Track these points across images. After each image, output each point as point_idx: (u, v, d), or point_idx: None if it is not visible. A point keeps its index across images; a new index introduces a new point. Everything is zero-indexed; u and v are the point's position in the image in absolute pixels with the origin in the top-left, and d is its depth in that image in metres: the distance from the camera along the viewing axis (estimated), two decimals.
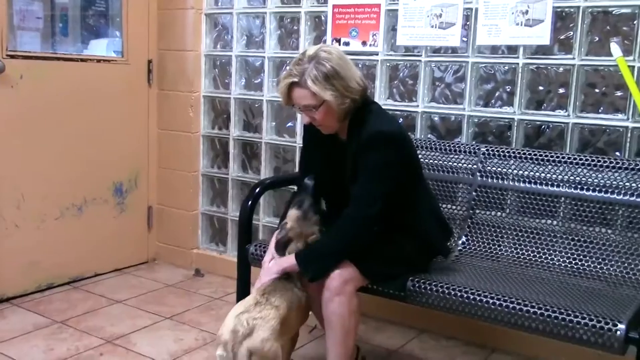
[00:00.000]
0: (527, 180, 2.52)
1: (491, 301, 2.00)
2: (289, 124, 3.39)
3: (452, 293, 2.07)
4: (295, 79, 1.98)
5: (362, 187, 2.02)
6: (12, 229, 3.11)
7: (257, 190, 2.60)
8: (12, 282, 3.14)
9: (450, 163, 2.69)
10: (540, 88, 2.71)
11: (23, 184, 3.13)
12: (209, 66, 3.63)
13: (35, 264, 3.22)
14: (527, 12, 2.63)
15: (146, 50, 3.63)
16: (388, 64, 3.03)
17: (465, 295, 2.05)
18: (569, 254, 2.43)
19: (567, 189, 2.45)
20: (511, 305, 1.97)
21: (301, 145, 3.26)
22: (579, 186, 2.43)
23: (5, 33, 2.96)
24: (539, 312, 1.93)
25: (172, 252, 3.79)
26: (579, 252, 2.42)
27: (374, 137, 2.00)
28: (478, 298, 2.03)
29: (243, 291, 2.57)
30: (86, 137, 3.38)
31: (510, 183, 2.55)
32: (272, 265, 2.09)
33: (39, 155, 3.18)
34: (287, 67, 2.04)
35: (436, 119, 2.94)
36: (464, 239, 2.57)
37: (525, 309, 1.95)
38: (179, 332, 2.84)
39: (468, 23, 2.78)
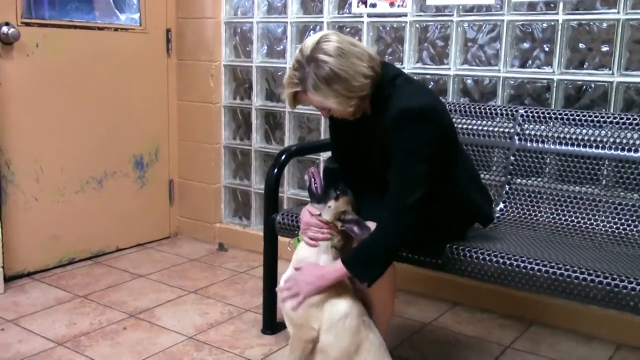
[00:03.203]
0: (568, 142, 2.38)
1: (536, 267, 1.87)
2: None
3: (494, 260, 1.94)
4: (297, 88, 1.85)
5: (399, 174, 1.86)
6: (32, 203, 3.03)
7: (283, 157, 2.49)
8: (33, 257, 3.07)
9: (485, 128, 2.55)
10: (582, 46, 2.55)
11: (41, 156, 3.04)
12: (230, 34, 3.51)
13: (56, 238, 3.15)
14: None
15: (164, 18, 3.52)
16: (417, 26, 2.89)
17: (508, 262, 1.92)
18: (613, 220, 2.30)
19: (611, 151, 2.31)
20: (558, 272, 1.84)
21: None
22: (625, 148, 2.29)
23: None
24: (588, 278, 1.80)
25: (194, 227, 3.70)
26: (624, 218, 2.29)
27: (402, 115, 1.82)
28: (522, 265, 1.90)
29: (270, 262, 2.49)
30: (105, 109, 3.29)
31: (551, 146, 2.41)
32: (315, 277, 1.91)
33: (57, 127, 3.10)
34: (289, 70, 1.87)
35: (469, 82, 2.80)
36: (501, 205, 2.44)
37: (573, 275, 1.82)
38: (203, 306, 2.76)
39: None
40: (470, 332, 2.59)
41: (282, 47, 3.33)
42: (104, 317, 2.62)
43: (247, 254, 3.46)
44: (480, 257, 1.97)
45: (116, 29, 3.33)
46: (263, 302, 2.53)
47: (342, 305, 1.91)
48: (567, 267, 1.84)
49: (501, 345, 2.47)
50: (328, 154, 3.15)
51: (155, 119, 3.56)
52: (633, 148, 2.29)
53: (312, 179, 2.00)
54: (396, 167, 1.85)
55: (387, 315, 2.06)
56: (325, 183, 1.99)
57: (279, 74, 3.36)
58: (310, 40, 1.83)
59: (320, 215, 1.97)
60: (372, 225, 1.91)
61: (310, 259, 1.95)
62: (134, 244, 3.53)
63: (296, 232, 2.30)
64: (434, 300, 2.85)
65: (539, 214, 2.39)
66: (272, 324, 2.52)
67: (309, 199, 3.20)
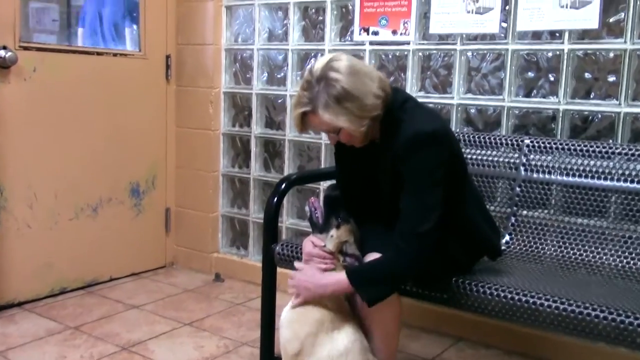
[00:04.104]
0: (575, 174, 2.32)
1: (546, 304, 1.79)
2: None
3: (502, 295, 1.87)
4: (307, 108, 1.78)
5: (412, 200, 1.79)
6: (24, 230, 2.95)
7: (284, 186, 2.42)
8: (24, 286, 2.98)
9: (490, 158, 2.50)
10: (588, 76, 2.51)
11: (36, 182, 2.98)
12: (230, 61, 3.48)
13: (48, 267, 3.06)
14: None
15: (164, 44, 3.49)
16: (420, 54, 2.85)
17: (517, 298, 1.85)
18: (622, 255, 2.23)
19: (619, 183, 2.25)
20: (569, 308, 1.76)
21: (327, 142, 3.11)
22: (633, 179, 2.24)
23: (18, 21, 2.82)
24: (595, 314, 1.72)
25: (190, 256, 3.62)
26: (632, 252, 2.22)
27: (414, 139, 1.77)
28: (530, 300, 1.82)
29: (269, 294, 2.40)
30: (102, 134, 3.23)
31: (557, 177, 2.36)
32: (315, 285, 1.86)
33: (52, 153, 3.03)
34: (298, 91, 1.82)
35: (473, 111, 2.75)
36: (507, 237, 2.37)
37: (580, 310, 1.74)
38: (199, 339, 2.67)
39: (507, 7, 2.60)
40: None
41: (282, 74, 3.29)
42: (96, 349, 2.53)
43: (244, 285, 3.37)
44: (487, 292, 1.90)
45: (115, 55, 3.29)
46: (261, 336, 2.44)
47: (342, 341, 1.84)
48: (575, 302, 1.77)
49: None
50: (329, 183, 3.11)
51: (153, 145, 3.50)
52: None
53: (313, 209, 1.94)
54: (409, 192, 1.79)
55: (392, 351, 1.98)
56: (326, 212, 1.93)
57: (279, 101, 3.31)
58: (320, 60, 1.79)
59: (324, 246, 1.91)
60: (374, 257, 1.84)
61: None
62: (129, 274, 3.45)
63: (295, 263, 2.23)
64: (437, 335, 2.77)
65: (546, 247, 2.32)
66: (269, 359, 2.43)
67: (308, 229, 3.14)
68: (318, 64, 1.78)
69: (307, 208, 1.99)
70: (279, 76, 3.32)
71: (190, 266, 3.61)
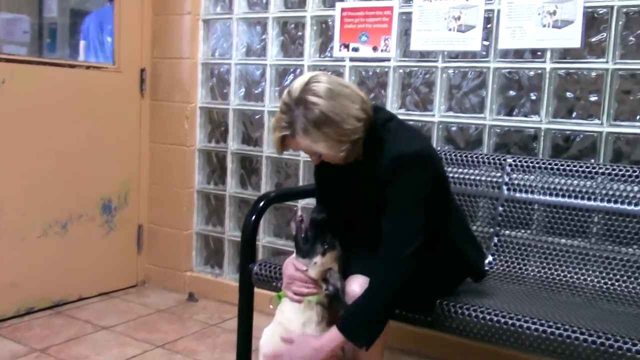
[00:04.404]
0: (559, 193, 2.30)
1: (539, 328, 1.74)
2: None
3: (487, 318, 1.82)
4: (286, 132, 1.72)
5: (394, 223, 1.73)
6: None
7: (262, 203, 2.35)
8: None
9: (472, 177, 2.46)
10: (570, 95, 2.50)
11: (2, 197, 2.86)
12: (206, 75, 3.41)
13: (14, 286, 2.94)
14: (555, 12, 2.43)
15: (139, 58, 3.40)
16: (401, 71, 2.82)
17: (502, 321, 1.80)
18: (606, 276, 2.20)
19: (602, 203, 2.23)
20: (560, 332, 1.71)
21: (305, 159, 3.05)
22: (615, 200, 2.22)
23: None
24: (575, 336, 1.69)
25: (163, 275, 3.52)
26: (615, 273, 2.20)
27: (397, 160, 1.73)
28: (517, 323, 1.77)
29: (245, 315, 2.32)
30: (73, 149, 3.13)
31: (540, 197, 2.33)
32: (310, 352, 1.75)
33: (21, 167, 2.92)
34: (277, 114, 1.76)
35: (454, 129, 2.72)
36: (490, 258, 2.33)
37: (565, 333, 1.70)
38: None
39: (489, 25, 2.58)
40: None
41: (260, 89, 3.23)
42: None
43: (218, 304, 3.28)
44: (473, 315, 1.85)
45: (88, 67, 3.21)
46: (237, 358, 2.35)
47: None
48: (558, 325, 1.74)
49: None
50: (307, 200, 3.05)
51: (126, 160, 3.41)
52: (623, 200, 2.22)
53: (299, 229, 1.86)
54: (391, 215, 1.73)
55: None
56: (312, 235, 1.85)
57: (257, 117, 3.25)
58: (299, 81, 1.73)
59: (306, 270, 1.84)
60: (358, 279, 1.78)
61: (295, 317, 1.80)
62: (98, 293, 3.33)
63: (275, 283, 2.16)
64: (418, 357, 2.70)
65: (529, 267, 2.29)
66: None
67: (286, 248, 3.09)
68: (296, 84, 1.72)
69: (292, 226, 1.91)
70: (256, 92, 3.26)
71: (163, 285, 3.51)
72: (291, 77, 3.14)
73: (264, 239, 3.22)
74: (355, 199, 1.91)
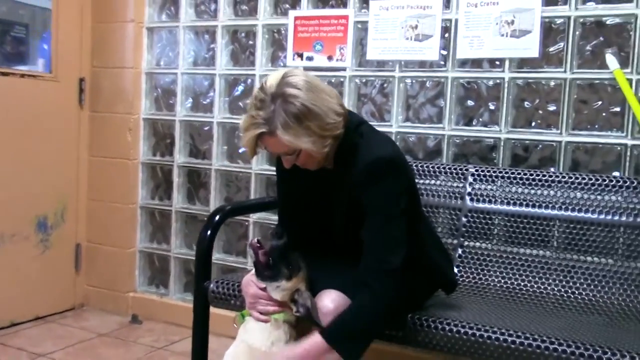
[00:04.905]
0: (523, 203, 2.27)
1: (510, 339, 1.69)
2: (243, 148, 3.04)
3: (462, 331, 1.75)
4: (264, 129, 1.59)
5: (378, 233, 1.64)
6: None
7: (218, 217, 2.21)
8: None
9: (434, 187, 2.41)
10: (528, 105, 2.49)
11: None
12: (151, 85, 3.25)
13: None
14: (512, 22, 2.43)
15: (78, 66, 3.22)
16: (357, 80, 2.76)
17: (478, 334, 1.73)
18: (567, 284, 2.19)
19: (563, 212, 2.22)
20: (535, 344, 1.66)
21: (257, 171, 2.94)
22: (574, 208, 2.21)
23: None
24: (568, 350, 1.64)
25: (104, 297, 3.30)
26: (575, 281, 2.19)
27: (373, 166, 1.64)
28: (493, 336, 1.71)
29: (201, 336, 2.17)
30: (5, 163, 2.90)
31: (504, 207, 2.29)
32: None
33: None
34: (249, 111, 1.63)
35: (412, 139, 2.67)
36: (455, 270, 2.27)
37: (551, 347, 1.65)
38: None
39: (447, 35, 2.55)
40: None
41: (209, 100, 3.10)
42: None
43: (165, 326, 3.09)
44: (447, 328, 1.77)
45: (22, 75, 2.99)
46: None
47: None
48: (532, 335, 1.69)
49: None
50: (259, 215, 2.93)
51: (62, 175, 3.20)
52: (581, 208, 2.21)
53: (257, 254, 1.72)
54: (374, 225, 1.64)
55: None
56: (274, 260, 1.72)
57: (205, 128, 3.11)
58: (273, 76, 1.62)
59: (265, 289, 1.72)
60: (330, 294, 1.67)
61: (261, 336, 1.67)
62: (33, 317, 3.08)
63: (233, 302, 2.03)
64: None
65: (495, 278, 2.24)
66: None
67: (237, 265, 2.95)
68: (271, 80, 1.61)
69: (249, 250, 1.77)
70: (204, 102, 3.13)
71: (103, 307, 3.29)
72: (242, 87, 3.03)
73: (214, 256, 3.06)
74: (323, 208, 1.81)
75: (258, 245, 1.72)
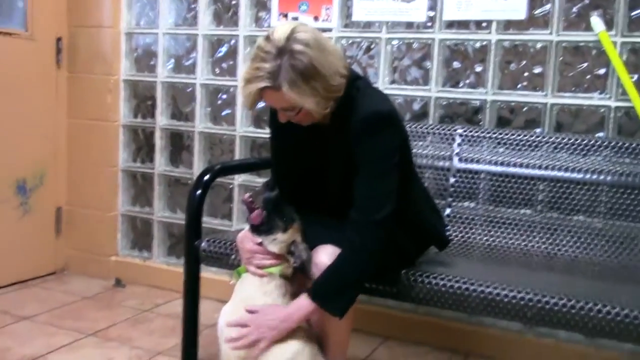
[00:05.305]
0: (510, 163, 2.31)
1: (503, 293, 1.72)
2: (227, 110, 3.01)
3: (455, 286, 1.77)
4: (268, 84, 1.56)
5: (367, 186, 1.65)
6: None
7: (207, 177, 2.20)
8: None
9: (421, 149, 2.43)
10: (514, 67, 2.51)
11: None
12: (130, 46, 3.19)
13: None
14: None
15: (55, 25, 3.13)
16: (343, 42, 2.74)
17: (472, 288, 1.75)
18: (552, 241, 2.24)
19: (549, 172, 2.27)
20: (535, 299, 1.69)
21: (242, 134, 2.92)
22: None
23: None
24: (559, 302, 1.68)
25: (85, 261, 3.27)
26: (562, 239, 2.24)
27: (370, 120, 1.64)
28: (487, 290, 1.74)
29: (192, 297, 2.17)
30: None
31: (490, 167, 2.33)
32: (278, 320, 1.63)
33: None
34: (252, 62, 1.60)
35: (399, 101, 2.67)
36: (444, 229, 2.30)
37: (550, 300, 1.69)
38: (107, 350, 2.38)
39: None
40: None
41: (191, 61, 3.05)
42: None
43: (148, 289, 3.09)
44: (440, 283, 1.80)
45: None
46: (183, 342, 2.20)
47: (291, 347, 1.66)
48: (524, 289, 1.72)
49: None
50: (244, 177, 2.92)
51: (41, 138, 3.13)
52: (567, 168, 2.26)
53: (251, 209, 1.72)
54: (364, 178, 1.65)
55: (345, 354, 1.83)
56: (268, 211, 1.73)
57: (188, 90, 3.07)
58: (281, 29, 1.59)
59: (261, 243, 1.72)
60: (326, 249, 1.69)
61: (258, 291, 1.68)
62: (14, 281, 3.04)
63: (227, 260, 2.03)
64: (363, 334, 2.63)
65: (482, 237, 2.28)
66: None
67: (222, 227, 2.94)
68: (279, 33, 1.58)
69: (243, 206, 1.77)
70: (187, 63, 3.08)
71: (85, 271, 3.26)
72: (225, 48, 2.99)
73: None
74: (317, 164, 1.81)
75: (251, 200, 1.72)
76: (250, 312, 1.66)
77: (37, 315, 2.68)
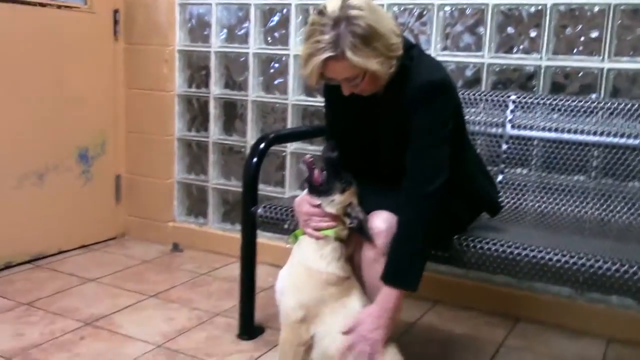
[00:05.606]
0: (564, 130, 2.29)
1: (556, 258, 1.74)
2: (279, 79, 3.05)
3: (508, 251, 1.80)
4: (331, 53, 1.56)
5: (420, 156, 1.67)
6: None
7: (262, 145, 2.26)
8: None
9: (474, 116, 2.43)
10: (569, 31, 2.47)
11: None
12: (184, 17, 3.25)
13: None
14: None
15: None
16: (395, 9, 2.74)
17: (523, 253, 1.78)
18: (606, 208, 2.23)
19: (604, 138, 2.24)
20: (587, 263, 1.70)
21: (294, 102, 2.97)
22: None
23: None
24: (613, 267, 1.69)
25: (144, 226, 3.40)
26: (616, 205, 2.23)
27: (425, 89, 1.65)
28: (538, 255, 1.75)
29: (249, 261, 2.26)
30: (45, 95, 2.96)
31: (543, 133, 2.32)
32: (378, 320, 1.65)
33: None
34: (310, 37, 1.60)
35: (451, 67, 2.66)
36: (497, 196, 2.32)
37: (597, 265, 1.70)
38: (168, 311, 2.49)
39: None
40: (459, 331, 2.45)
41: (244, 30, 3.10)
42: (56, 326, 2.31)
43: (205, 254, 3.20)
44: (492, 249, 1.83)
45: (59, 7, 3.00)
46: (240, 305, 2.29)
47: (354, 306, 1.72)
48: (578, 254, 1.73)
49: (494, 343, 2.34)
50: (296, 145, 2.98)
51: (101, 108, 3.25)
52: (623, 134, 2.23)
53: (311, 169, 1.78)
54: (417, 148, 1.67)
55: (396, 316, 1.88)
56: (327, 174, 1.77)
57: (241, 59, 3.12)
58: (331, 2, 1.60)
59: (320, 205, 1.77)
60: (381, 215, 1.73)
61: (314, 254, 1.74)
62: (78, 246, 3.20)
63: (284, 225, 2.10)
64: (413, 299, 2.67)
65: (536, 204, 2.29)
66: (249, 329, 2.30)
67: (274, 195, 3.01)
68: (331, 5, 1.59)
69: (303, 167, 1.83)
70: (239, 33, 3.13)
71: (144, 237, 3.39)
72: (277, 17, 3.02)
73: None
74: (371, 134, 1.84)
75: (311, 160, 1.77)
76: (348, 331, 1.68)
77: (101, 277, 2.82)
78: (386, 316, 1.66)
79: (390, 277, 1.66)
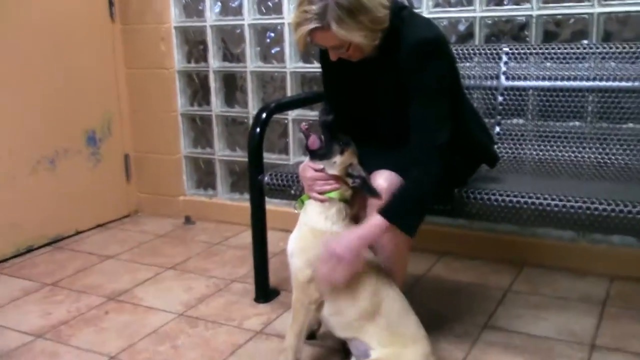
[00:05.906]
0: (558, 77, 2.34)
1: (557, 203, 1.81)
2: (276, 48, 3.10)
3: (507, 200, 1.88)
4: (317, 24, 1.63)
5: (425, 111, 1.73)
6: None
7: (264, 115, 2.32)
8: None
9: (468, 70, 2.47)
10: None
11: None
12: None
13: (10, 226, 2.88)
14: None
15: None
16: None
17: (523, 201, 1.86)
18: (602, 151, 2.29)
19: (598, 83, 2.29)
20: (587, 206, 1.77)
21: (292, 70, 3.01)
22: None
23: None
24: (617, 208, 1.75)
25: (156, 202, 3.49)
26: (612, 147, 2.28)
27: (418, 48, 1.70)
28: (538, 202, 1.83)
29: (259, 227, 2.34)
30: (47, 81, 3.01)
31: (538, 83, 2.36)
32: (353, 241, 1.70)
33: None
34: (299, 6, 1.66)
35: (444, 24, 2.69)
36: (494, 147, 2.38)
37: (600, 207, 1.76)
38: (186, 281, 2.59)
39: None
40: (467, 280, 2.54)
41: (238, 3, 3.13)
42: (81, 303, 2.42)
43: (216, 225, 3.29)
44: (493, 198, 1.90)
45: None
46: (255, 269, 2.39)
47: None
48: (581, 198, 1.80)
49: (500, 289, 2.43)
50: (297, 112, 3.03)
51: (103, 89, 3.31)
52: (616, 77, 2.28)
53: (309, 135, 1.84)
54: (421, 104, 1.73)
55: (404, 272, 1.96)
56: (325, 137, 1.84)
57: (237, 32, 3.16)
58: None
59: (323, 169, 1.84)
60: (383, 174, 1.80)
61: (320, 216, 1.81)
62: (94, 225, 3.30)
63: (291, 191, 2.17)
64: (420, 252, 2.76)
65: (534, 152, 2.35)
66: (265, 292, 2.39)
67: (278, 162, 3.08)
68: None
69: (301, 134, 1.89)
70: (233, 5, 3.16)
71: (156, 212, 3.49)
72: None
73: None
74: (368, 96, 1.90)
75: (307, 127, 1.83)
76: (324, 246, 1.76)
77: (119, 254, 2.92)
78: (362, 243, 1.70)
79: (389, 212, 1.69)
